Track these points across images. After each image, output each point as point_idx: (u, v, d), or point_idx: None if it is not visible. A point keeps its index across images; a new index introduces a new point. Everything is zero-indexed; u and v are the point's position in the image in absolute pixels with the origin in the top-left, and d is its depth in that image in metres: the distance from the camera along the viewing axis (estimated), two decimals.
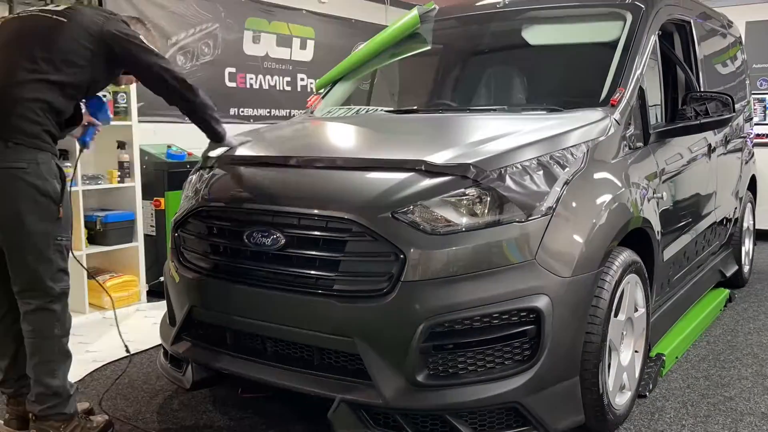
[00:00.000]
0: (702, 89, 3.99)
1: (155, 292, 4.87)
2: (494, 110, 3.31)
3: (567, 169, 2.55)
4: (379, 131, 3.23)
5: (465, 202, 2.37)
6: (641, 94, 3.11)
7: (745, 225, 4.99)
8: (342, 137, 3.30)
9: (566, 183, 2.51)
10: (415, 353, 2.27)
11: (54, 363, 2.54)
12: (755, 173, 5.27)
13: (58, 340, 2.55)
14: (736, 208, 4.71)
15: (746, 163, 4.95)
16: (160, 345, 3.16)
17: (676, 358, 3.50)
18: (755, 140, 5.87)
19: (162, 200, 4.90)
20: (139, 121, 4.80)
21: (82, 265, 3.72)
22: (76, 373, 3.43)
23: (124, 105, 4.63)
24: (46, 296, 2.51)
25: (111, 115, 3.12)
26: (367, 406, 2.34)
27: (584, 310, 2.46)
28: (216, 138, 2.91)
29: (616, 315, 2.64)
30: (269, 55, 6.57)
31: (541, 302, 2.32)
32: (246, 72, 6.31)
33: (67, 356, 2.61)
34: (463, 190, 2.38)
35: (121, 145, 4.68)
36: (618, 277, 2.59)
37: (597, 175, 2.70)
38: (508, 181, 2.38)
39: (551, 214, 2.42)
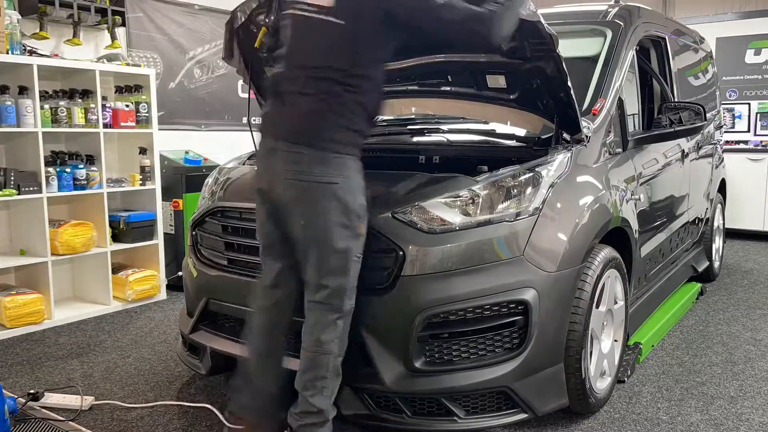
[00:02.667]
0: (676, 100, 4.00)
1: (174, 286, 4.87)
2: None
3: (552, 172, 2.55)
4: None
5: (459, 203, 2.38)
6: (620, 104, 3.11)
7: (715, 224, 5.00)
8: None
9: (552, 186, 2.51)
10: (413, 342, 2.28)
11: (326, 381, 2.24)
12: (725, 177, 5.27)
13: (334, 358, 2.25)
14: (707, 208, 4.72)
15: (717, 167, 4.95)
16: (178, 334, 3.17)
17: (652, 346, 3.51)
18: (725, 147, 5.88)
19: (180, 201, 4.90)
20: (159, 129, 4.81)
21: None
22: (106, 357, 3.45)
23: (146, 114, 4.63)
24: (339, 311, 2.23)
25: None
26: (370, 390, 2.35)
27: (568, 302, 2.47)
28: None
29: (597, 307, 2.65)
30: None
31: (529, 295, 2.33)
32: None
33: (338, 376, 2.28)
34: (457, 192, 2.39)
35: (143, 151, 4.68)
36: (599, 272, 2.60)
37: (580, 179, 2.70)
38: None
39: (538, 214, 2.42)
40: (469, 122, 3.24)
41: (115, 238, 4.58)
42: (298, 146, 2.17)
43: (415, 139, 3.27)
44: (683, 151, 4.00)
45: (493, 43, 2.25)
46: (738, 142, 7.01)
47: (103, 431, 2.65)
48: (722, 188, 5.22)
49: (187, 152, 5.19)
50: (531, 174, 2.49)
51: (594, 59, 3.24)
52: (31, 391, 2.88)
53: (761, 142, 6.94)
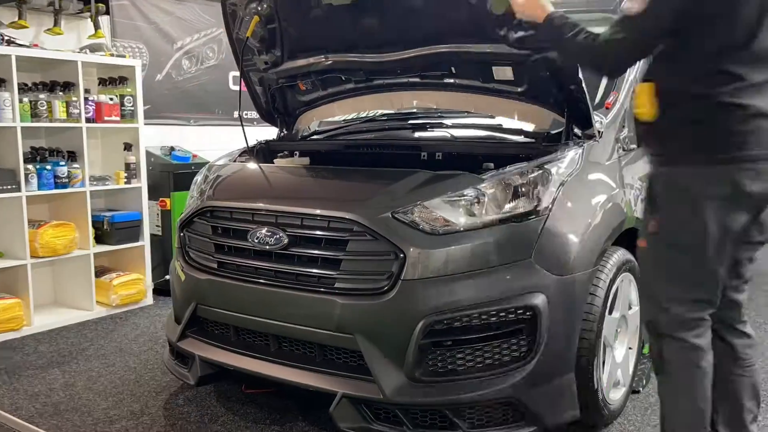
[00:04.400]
0: None
1: (161, 291, 4.87)
2: None
3: (562, 170, 2.55)
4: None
5: (463, 202, 2.38)
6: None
7: None
8: None
9: (562, 184, 2.51)
10: (414, 350, 2.28)
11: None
12: None
13: None
14: None
15: None
16: (165, 342, 3.17)
17: None
18: None
19: (167, 201, 4.90)
20: (145, 124, 4.81)
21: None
22: (88, 366, 3.45)
23: (131, 108, 4.62)
24: None
25: None
26: (368, 402, 2.35)
27: (579, 308, 2.46)
28: None
29: (610, 312, 2.64)
30: None
31: (538, 300, 2.32)
32: None
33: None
34: (462, 191, 2.39)
35: (128, 147, 4.68)
36: (612, 276, 2.59)
37: (592, 177, 2.70)
38: None
39: (547, 214, 2.42)
40: (474, 117, 3.24)
41: (99, 239, 4.58)
42: None
43: (417, 134, 3.27)
44: None
45: None
46: None
47: None
48: None
49: (174, 148, 5.18)
50: (540, 171, 2.48)
51: None
52: None
53: None
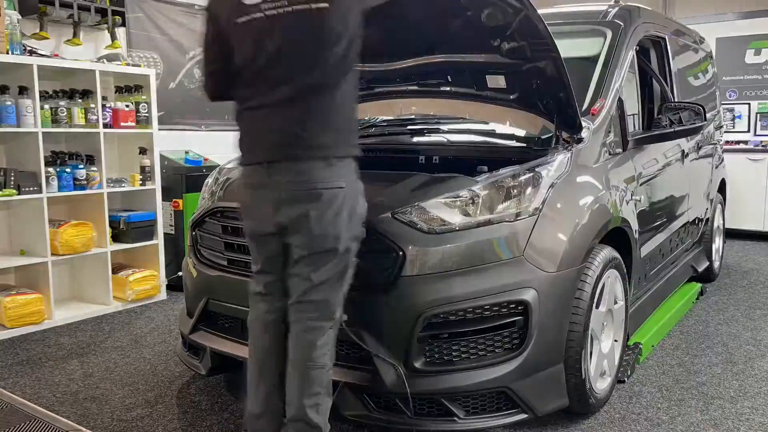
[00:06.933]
0: (676, 100, 4.00)
1: (174, 286, 4.87)
2: None
3: (552, 173, 2.55)
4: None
5: (459, 203, 2.38)
6: (620, 104, 3.11)
7: (715, 224, 5.00)
8: None
9: (552, 186, 2.51)
10: (413, 342, 2.28)
11: (320, 397, 2.11)
12: (725, 177, 5.27)
13: (327, 372, 2.14)
14: (707, 208, 4.72)
15: (716, 167, 4.95)
16: (178, 334, 3.17)
17: (652, 346, 3.51)
18: (725, 147, 5.88)
19: (180, 201, 4.90)
20: (159, 129, 4.81)
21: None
22: (106, 357, 3.45)
23: (146, 114, 4.62)
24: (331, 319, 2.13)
25: None
26: (369, 391, 2.34)
27: (568, 302, 2.46)
28: None
29: (597, 307, 2.64)
30: None
31: (529, 295, 2.32)
32: None
33: (329, 394, 2.16)
34: (457, 192, 2.39)
35: (143, 151, 4.68)
36: (599, 272, 2.59)
37: (580, 179, 2.70)
38: None
39: (538, 214, 2.42)
40: (469, 122, 3.24)
41: (115, 238, 4.58)
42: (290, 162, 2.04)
43: (415, 139, 3.27)
44: (683, 151, 4.00)
45: None
46: (738, 142, 7.01)
47: (104, 431, 2.65)
48: (722, 188, 5.22)
49: (187, 152, 5.19)
50: (531, 174, 2.49)
51: (594, 59, 3.23)
52: None
53: (761, 142, 6.94)
